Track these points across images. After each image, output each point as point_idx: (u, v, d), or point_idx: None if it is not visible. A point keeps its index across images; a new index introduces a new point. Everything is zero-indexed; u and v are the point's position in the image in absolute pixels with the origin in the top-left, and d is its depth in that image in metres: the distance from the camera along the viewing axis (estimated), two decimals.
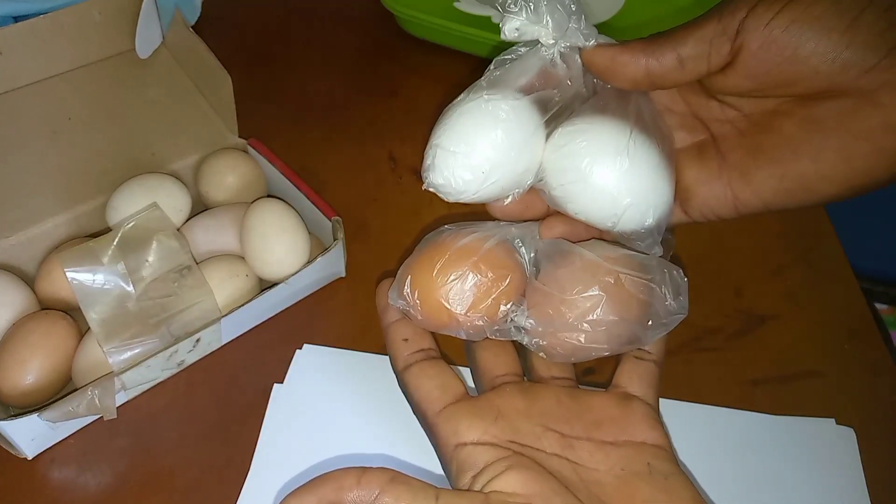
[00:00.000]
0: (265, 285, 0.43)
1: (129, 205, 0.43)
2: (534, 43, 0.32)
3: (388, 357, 0.39)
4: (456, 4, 0.61)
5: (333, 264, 0.45)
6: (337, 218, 0.43)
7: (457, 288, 0.33)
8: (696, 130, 0.34)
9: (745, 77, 0.29)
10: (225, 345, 0.43)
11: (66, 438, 0.39)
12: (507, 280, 0.33)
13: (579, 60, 0.32)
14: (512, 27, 0.30)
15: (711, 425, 0.40)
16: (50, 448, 0.38)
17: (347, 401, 0.41)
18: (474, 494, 0.29)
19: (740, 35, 0.27)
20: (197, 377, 0.42)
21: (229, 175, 0.47)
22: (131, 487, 0.37)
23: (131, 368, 0.37)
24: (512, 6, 0.30)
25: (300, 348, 0.43)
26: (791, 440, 0.39)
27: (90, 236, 0.44)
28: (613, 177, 0.30)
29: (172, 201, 0.44)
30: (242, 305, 0.40)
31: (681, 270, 0.34)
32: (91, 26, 0.47)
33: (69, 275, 0.39)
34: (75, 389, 0.37)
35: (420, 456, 0.38)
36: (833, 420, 0.40)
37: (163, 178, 0.45)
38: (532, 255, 0.35)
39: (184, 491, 0.37)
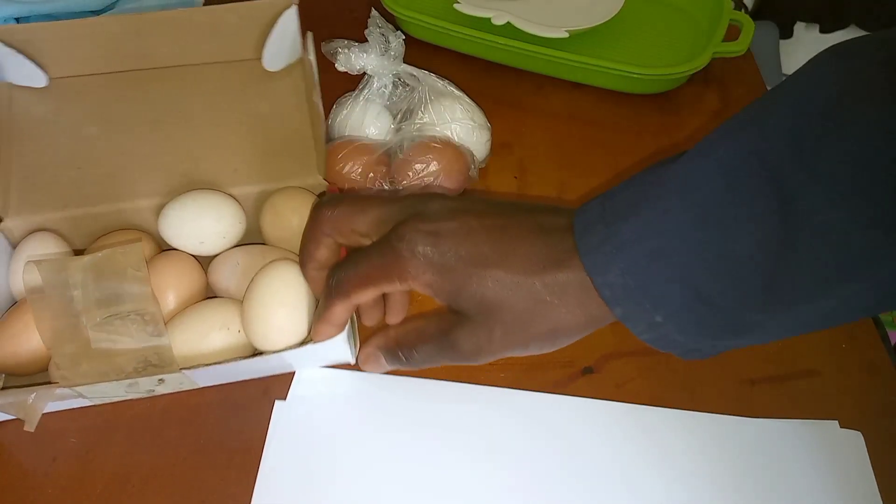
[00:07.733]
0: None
1: (177, 217, 0.43)
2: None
3: (391, 377, 0.41)
4: (456, 6, 0.60)
5: (335, 350, 0.40)
6: None
7: (347, 166, 0.48)
8: None
9: None
10: None
11: (68, 437, 0.40)
12: (375, 161, 0.48)
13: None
14: (341, 63, 0.49)
15: (715, 434, 0.40)
16: (52, 446, 0.39)
17: (349, 417, 0.41)
18: None
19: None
20: None
21: (294, 217, 0.44)
22: (134, 486, 0.38)
23: (84, 386, 0.37)
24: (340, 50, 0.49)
25: None
26: (797, 445, 0.39)
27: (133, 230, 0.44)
28: None
29: (217, 226, 0.43)
30: (213, 364, 0.38)
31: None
32: (227, 27, 0.47)
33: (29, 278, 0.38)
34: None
35: (422, 472, 0.39)
36: (836, 422, 0.40)
37: (221, 201, 0.44)
38: (400, 146, 0.50)
39: (186, 489, 0.37)
